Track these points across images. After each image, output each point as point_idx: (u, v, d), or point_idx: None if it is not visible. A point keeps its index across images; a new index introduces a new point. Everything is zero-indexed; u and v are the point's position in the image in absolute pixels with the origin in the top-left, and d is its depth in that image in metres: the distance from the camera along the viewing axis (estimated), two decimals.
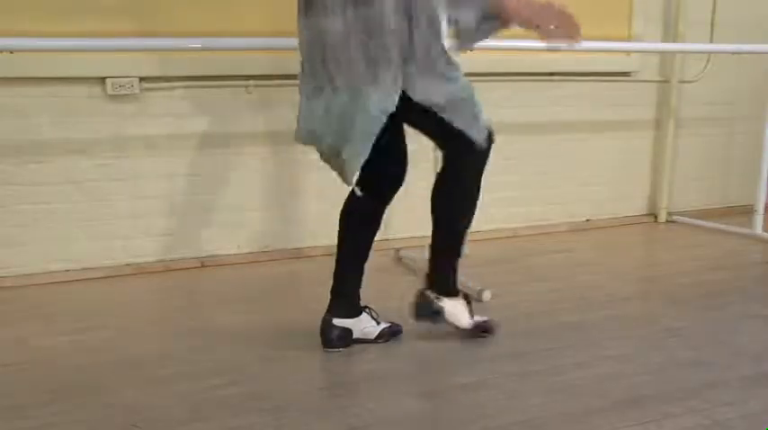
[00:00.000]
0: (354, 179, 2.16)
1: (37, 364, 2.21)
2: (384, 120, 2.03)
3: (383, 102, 2.01)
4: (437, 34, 2.02)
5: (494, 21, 2.05)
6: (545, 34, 1.91)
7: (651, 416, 1.86)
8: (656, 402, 1.94)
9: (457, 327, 2.34)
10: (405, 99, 2.03)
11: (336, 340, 2.30)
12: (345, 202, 2.30)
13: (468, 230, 2.31)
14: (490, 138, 2.16)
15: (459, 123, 2.08)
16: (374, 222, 2.32)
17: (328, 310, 2.31)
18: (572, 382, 2.06)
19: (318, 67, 2.07)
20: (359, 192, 2.25)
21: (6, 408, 1.92)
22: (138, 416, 1.87)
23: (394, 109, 2.02)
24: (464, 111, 2.09)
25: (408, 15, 1.98)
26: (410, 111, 2.06)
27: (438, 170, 2.23)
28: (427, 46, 2.01)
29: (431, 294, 2.31)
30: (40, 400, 1.96)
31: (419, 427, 1.83)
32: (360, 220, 2.31)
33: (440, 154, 2.23)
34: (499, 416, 1.86)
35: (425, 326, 2.47)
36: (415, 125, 2.18)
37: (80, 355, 2.26)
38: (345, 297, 2.31)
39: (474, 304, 2.37)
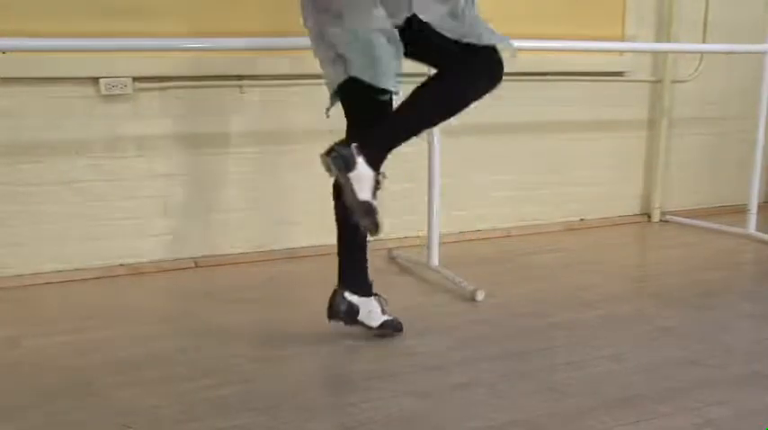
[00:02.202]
0: (392, 80, 2.00)
1: (30, 365, 2.20)
2: (396, 35, 1.98)
3: (389, 18, 1.97)
4: None
5: None
6: None
7: (644, 415, 1.87)
8: (649, 401, 1.95)
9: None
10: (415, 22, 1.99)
11: (342, 313, 2.28)
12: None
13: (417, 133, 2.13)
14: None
15: (485, 38, 2.01)
16: None
17: (341, 283, 2.30)
18: (565, 382, 2.07)
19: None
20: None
21: None
22: (131, 416, 1.87)
23: (401, 23, 1.98)
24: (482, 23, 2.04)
25: None
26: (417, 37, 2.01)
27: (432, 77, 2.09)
28: None
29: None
30: (33, 401, 1.95)
31: (412, 427, 1.83)
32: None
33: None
34: (492, 416, 1.87)
35: (419, 325, 2.47)
36: (425, 49, 2.08)
37: (73, 356, 2.26)
38: (357, 270, 2.30)
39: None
